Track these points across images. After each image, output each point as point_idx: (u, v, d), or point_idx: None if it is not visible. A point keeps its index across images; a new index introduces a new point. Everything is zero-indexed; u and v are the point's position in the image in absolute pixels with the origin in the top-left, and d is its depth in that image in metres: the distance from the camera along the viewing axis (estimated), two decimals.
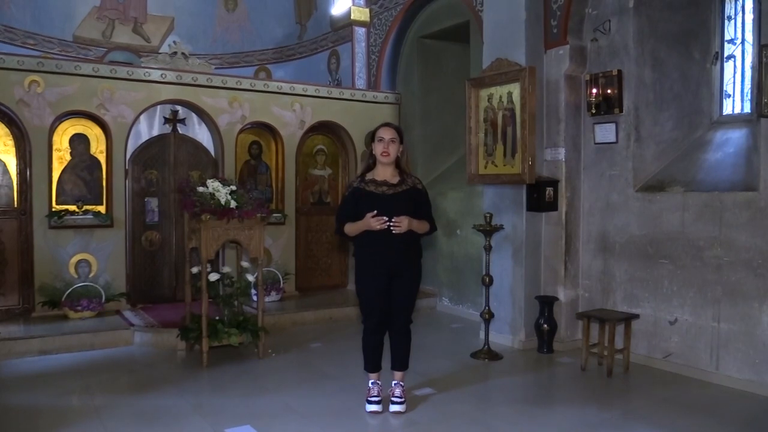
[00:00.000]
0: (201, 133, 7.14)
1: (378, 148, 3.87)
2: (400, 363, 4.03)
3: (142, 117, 6.67)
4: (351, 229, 3.87)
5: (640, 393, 4.45)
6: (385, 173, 3.91)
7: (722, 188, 4.62)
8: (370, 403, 3.96)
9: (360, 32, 8.58)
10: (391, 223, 3.73)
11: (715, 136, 5.16)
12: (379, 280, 3.87)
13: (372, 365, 4.03)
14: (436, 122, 7.94)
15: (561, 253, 5.52)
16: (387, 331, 4.02)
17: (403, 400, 3.96)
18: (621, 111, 5.17)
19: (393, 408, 3.94)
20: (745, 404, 4.18)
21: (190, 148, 7.05)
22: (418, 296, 4.11)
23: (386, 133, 3.88)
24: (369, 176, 3.93)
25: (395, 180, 3.90)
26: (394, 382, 4.02)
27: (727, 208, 4.54)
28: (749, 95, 5.03)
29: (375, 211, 3.74)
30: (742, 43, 5.13)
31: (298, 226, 7.54)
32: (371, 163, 3.96)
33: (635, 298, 5.14)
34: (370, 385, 4.02)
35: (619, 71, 5.14)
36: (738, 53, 5.17)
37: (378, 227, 3.73)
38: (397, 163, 3.93)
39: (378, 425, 3.82)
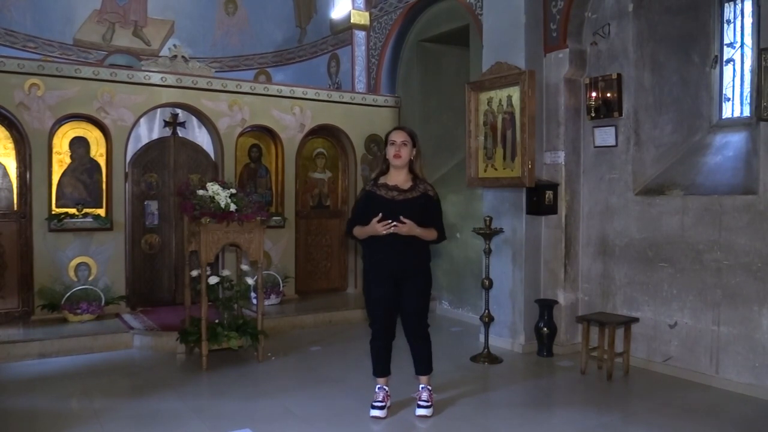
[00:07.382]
0: (201, 137, 7.15)
1: (390, 152, 3.85)
2: (422, 367, 4.02)
3: (142, 120, 6.68)
4: (359, 232, 3.86)
5: (639, 397, 4.45)
6: (397, 178, 3.87)
7: (722, 192, 4.62)
8: (374, 408, 3.93)
9: (360, 36, 8.59)
10: (394, 225, 3.69)
11: (714, 140, 5.17)
12: (383, 286, 3.86)
13: (378, 370, 4.02)
14: (435, 125, 7.94)
15: (561, 257, 5.52)
16: (405, 336, 3.99)
17: (429, 404, 3.95)
18: (620, 114, 5.18)
19: (418, 412, 3.94)
20: (745, 408, 4.17)
21: (190, 151, 7.06)
22: None
23: (398, 137, 3.86)
24: (382, 180, 3.91)
25: (407, 185, 3.86)
26: (420, 386, 4.01)
27: (726, 211, 4.54)
28: (748, 99, 5.04)
29: (380, 215, 3.72)
30: (742, 46, 5.14)
31: (298, 229, 7.54)
32: (384, 168, 3.94)
33: (635, 301, 5.13)
34: (376, 389, 4.00)
35: (619, 75, 5.15)
36: (737, 57, 5.18)
37: (383, 232, 3.70)
38: (411, 168, 3.90)
39: (378, 430, 3.81)
